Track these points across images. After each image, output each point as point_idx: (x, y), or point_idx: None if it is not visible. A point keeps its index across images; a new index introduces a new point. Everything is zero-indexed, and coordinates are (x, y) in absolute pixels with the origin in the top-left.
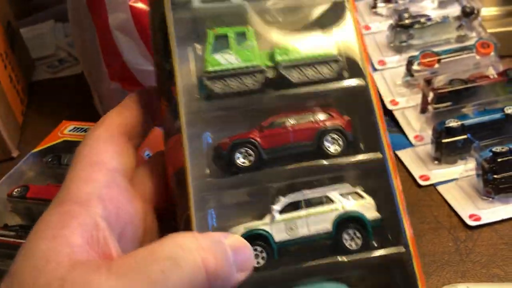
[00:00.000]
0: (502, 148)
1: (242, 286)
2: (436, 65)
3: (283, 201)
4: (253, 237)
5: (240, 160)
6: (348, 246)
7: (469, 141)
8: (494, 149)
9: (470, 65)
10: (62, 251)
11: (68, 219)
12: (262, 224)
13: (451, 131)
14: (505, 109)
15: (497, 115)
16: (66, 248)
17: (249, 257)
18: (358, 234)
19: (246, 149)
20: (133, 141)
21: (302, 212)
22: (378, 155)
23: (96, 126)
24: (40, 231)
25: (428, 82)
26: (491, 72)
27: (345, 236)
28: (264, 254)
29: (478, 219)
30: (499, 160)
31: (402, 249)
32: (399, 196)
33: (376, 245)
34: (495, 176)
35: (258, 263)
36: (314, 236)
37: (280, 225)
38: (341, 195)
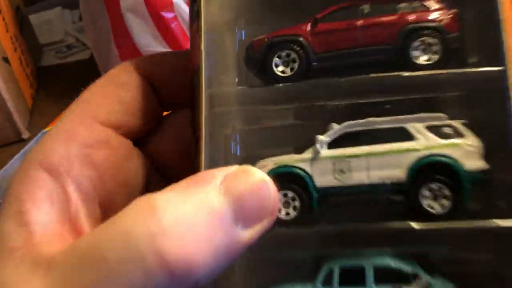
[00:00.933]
0: None
1: (260, 244)
2: None
3: (336, 129)
4: (285, 177)
5: (279, 68)
6: (427, 208)
7: None
8: None
9: None
10: (20, 234)
11: (34, 190)
12: (299, 160)
13: None
14: None
15: None
16: (25, 230)
17: (267, 203)
18: (446, 192)
19: (289, 52)
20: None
21: (363, 149)
22: (496, 70)
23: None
24: (6, 203)
25: None
26: None
27: (425, 192)
28: (297, 203)
29: None
30: None
31: None
32: None
33: (473, 211)
34: None
35: (287, 214)
36: (376, 186)
37: (326, 164)
38: (428, 128)
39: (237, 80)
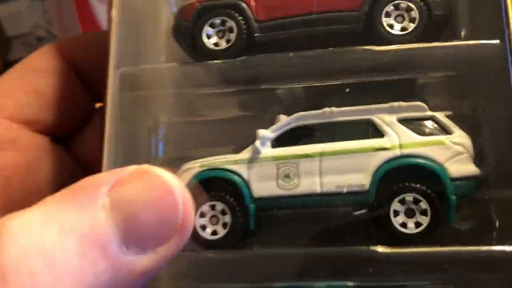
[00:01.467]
0: None
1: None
2: None
3: (283, 122)
4: (213, 184)
5: (211, 40)
6: (399, 227)
7: None
8: None
9: None
10: None
11: None
12: (233, 162)
13: None
14: None
15: None
16: None
17: (173, 216)
18: (424, 205)
19: (224, 18)
20: None
21: (315, 148)
22: (494, 44)
23: None
24: None
25: None
26: None
27: (396, 205)
28: (227, 218)
29: None
30: None
31: None
32: None
33: (458, 232)
34: None
35: (214, 233)
36: (331, 196)
37: (268, 167)
38: (402, 121)
39: (163, 56)
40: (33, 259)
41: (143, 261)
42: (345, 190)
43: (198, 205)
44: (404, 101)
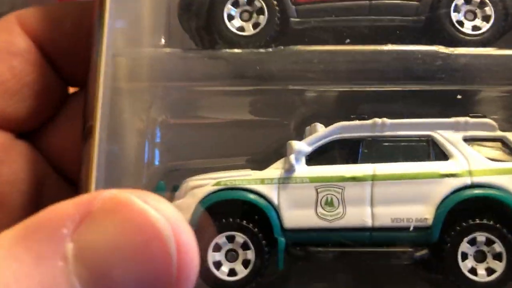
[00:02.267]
0: None
1: None
2: None
3: (321, 133)
4: (232, 208)
5: (235, 22)
6: (468, 274)
7: None
8: None
9: None
10: None
11: None
12: (259, 180)
13: None
14: None
15: None
16: None
17: (163, 268)
18: (498, 248)
19: None
20: None
21: (365, 169)
22: None
23: None
24: None
25: None
26: None
27: (465, 246)
28: (250, 255)
29: None
30: None
31: None
32: None
33: None
34: None
35: (233, 272)
36: (385, 231)
37: (304, 191)
38: (468, 141)
39: (163, 40)
40: None
41: None
42: (404, 225)
43: (211, 236)
44: (468, 116)
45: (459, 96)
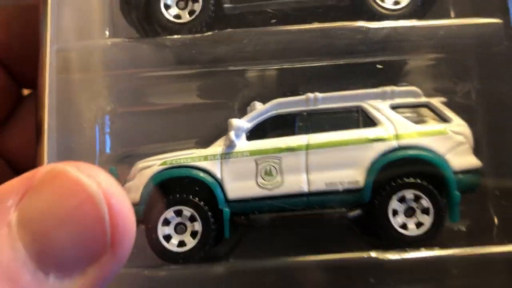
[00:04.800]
0: None
1: None
2: None
3: (260, 110)
4: (178, 185)
5: (171, 11)
6: (398, 229)
7: None
8: None
9: None
10: None
11: None
12: (203, 157)
13: None
14: None
15: None
16: None
17: (98, 231)
18: (426, 203)
19: None
20: None
21: (300, 140)
22: (498, 23)
23: None
24: None
25: None
26: None
27: (395, 204)
28: (198, 226)
29: None
30: None
31: None
32: None
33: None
34: None
35: (182, 243)
36: (321, 195)
37: (245, 163)
38: (396, 108)
39: (107, 31)
40: None
41: (69, 286)
42: (337, 188)
43: (160, 211)
44: (394, 85)
45: (379, 66)
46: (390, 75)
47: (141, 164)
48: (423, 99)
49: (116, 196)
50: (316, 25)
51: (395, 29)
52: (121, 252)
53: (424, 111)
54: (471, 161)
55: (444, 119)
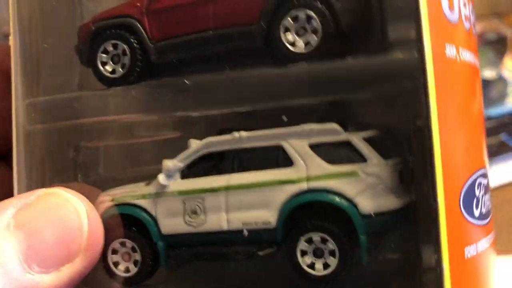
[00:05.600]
0: None
1: None
2: None
3: (191, 150)
4: (124, 220)
5: (107, 67)
6: (306, 269)
7: None
8: None
9: None
10: None
11: None
12: (141, 196)
13: None
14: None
15: None
16: None
17: (76, 236)
18: (331, 246)
19: (115, 42)
20: None
21: (221, 180)
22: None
23: None
24: None
25: None
26: None
27: (303, 245)
28: (138, 256)
29: None
30: None
31: None
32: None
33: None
34: None
35: (127, 270)
36: (237, 234)
37: (174, 203)
38: (314, 147)
39: (77, 80)
40: None
41: (46, 280)
42: (251, 227)
43: (110, 240)
44: (322, 122)
45: (284, 117)
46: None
47: (100, 197)
48: (343, 136)
49: (93, 213)
50: (228, 73)
51: (299, 72)
52: (92, 256)
53: (343, 149)
54: (384, 203)
55: (362, 157)
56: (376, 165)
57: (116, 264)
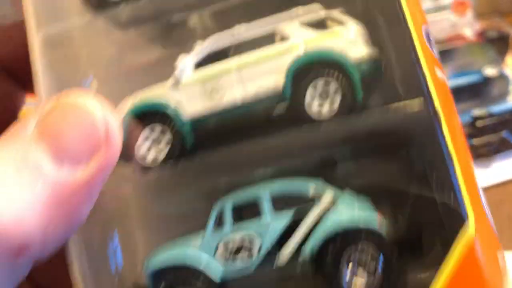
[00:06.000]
0: (482, 112)
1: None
2: None
3: (201, 47)
4: (147, 116)
5: None
6: (317, 108)
7: None
8: (473, 113)
9: (446, 25)
10: None
11: None
12: (159, 91)
13: None
14: (483, 70)
15: (475, 77)
16: None
17: (94, 132)
18: (334, 85)
19: None
20: None
21: (232, 62)
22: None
23: None
24: None
25: None
26: (468, 33)
27: (311, 91)
28: (168, 136)
29: None
30: (478, 124)
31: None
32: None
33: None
34: (475, 141)
35: (155, 157)
36: (254, 99)
37: (194, 88)
38: (304, 24)
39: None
40: None
41: (77, 175)
42: (266, 91)
43: (137, 134)
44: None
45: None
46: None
47: (122, 103)
48: (324, 12)
49: (107, 109)
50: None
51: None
52: (113, 148)
53: (327, 21)
54: (363, 50)
55: (341, 23)
56: (352, 25)
57: (147, 150)
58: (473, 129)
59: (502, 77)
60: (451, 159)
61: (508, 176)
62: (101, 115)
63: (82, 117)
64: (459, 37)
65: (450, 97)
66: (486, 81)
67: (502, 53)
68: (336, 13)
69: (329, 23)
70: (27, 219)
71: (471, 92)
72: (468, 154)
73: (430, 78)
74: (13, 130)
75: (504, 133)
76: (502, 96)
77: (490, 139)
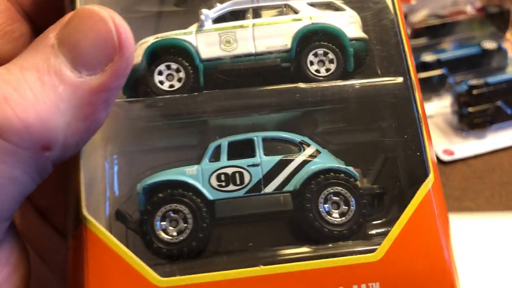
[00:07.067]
0: (478, 81)
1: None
2: (413, 1)
3: (221, 6)
4: (167, 49)
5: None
6: (315, 72)
7: (444, 76)
8: (470, 82)
9: (447, 1)
10: None
11: None
12: (183, 34)
13: (426, 66)
14: (482, 44)
15: (473, 50)
16: None
17: (109, 39)
18: (331, 56)
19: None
20: None
21: (248, 21)
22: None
23: None
24: None
25: (405, 17)
26: (469, 9)
27: (311, 57)
28: (182, 74)
29: (452, 153)
30: (474, 93)
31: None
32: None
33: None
34: (470, 109)
35: (171, 86)
36: (263, 54)
37: (212, 36)
38: (310, 4)
39: None
40: (2, 88)
41: (95, 80)
42: (274, 49)
43: (157, 64)
44: None
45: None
46: None
47: (141, 41)
48: None
49: (120, 19)
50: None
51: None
52: (126, 55)
53: (329, 6)
54: (359, 33)
55: (342, 9)
56: (351, 11)
57: (161, 82)
58: (469, 98)
59: (500, 50)
60: (420, 122)
61: (500, 145)
62: (115, 24)
63: (97, 26)
64: (460, 12)
65: (415, 73)
66: (485, 54)
67: (502, 28)
68: (338, 2)
69: (332, 6)
70: (51, 119)
71: (470, 64)
72: (427, 123)
73: (409, 57)
74: (36, 40)
75: (499, 103)
76: (500, 69)
77: (485, 107)
